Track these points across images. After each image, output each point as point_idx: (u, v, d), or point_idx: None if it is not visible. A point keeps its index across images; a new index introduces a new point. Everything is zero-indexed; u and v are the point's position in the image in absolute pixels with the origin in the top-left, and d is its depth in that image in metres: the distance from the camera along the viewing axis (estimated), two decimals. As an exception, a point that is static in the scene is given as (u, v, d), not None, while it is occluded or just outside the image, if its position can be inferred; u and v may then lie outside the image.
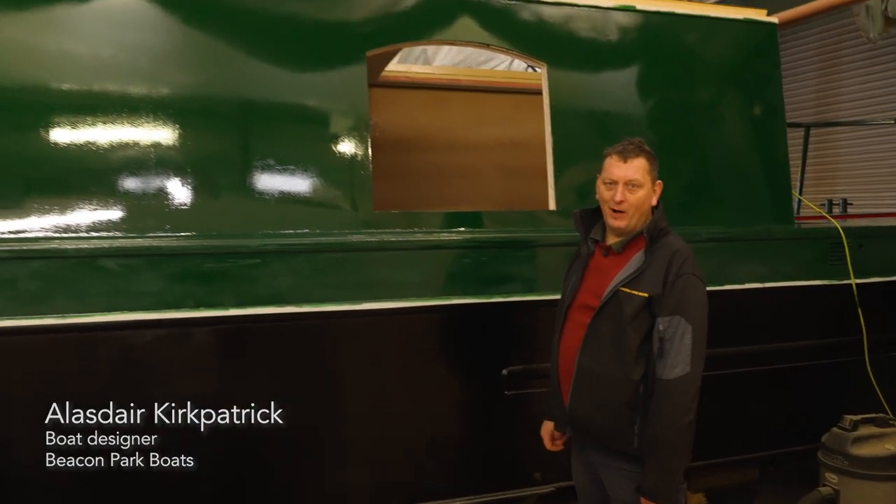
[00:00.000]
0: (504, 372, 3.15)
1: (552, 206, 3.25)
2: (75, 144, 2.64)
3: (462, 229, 3.14)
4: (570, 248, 2.76)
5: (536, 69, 3.78)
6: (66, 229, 2.61)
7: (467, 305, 3.08)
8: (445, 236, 3.10)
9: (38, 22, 2.64)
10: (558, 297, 2.65)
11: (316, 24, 2.95)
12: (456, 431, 3.16)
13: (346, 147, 2.96)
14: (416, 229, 3.06)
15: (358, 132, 2.97)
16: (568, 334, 2.53)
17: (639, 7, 3.45)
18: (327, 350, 2.96)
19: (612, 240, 2.49)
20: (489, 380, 3.15)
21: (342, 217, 2.95)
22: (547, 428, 2.70)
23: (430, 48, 6.32)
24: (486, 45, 3.31)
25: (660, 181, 2.48)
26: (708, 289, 2.44)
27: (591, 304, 2.45)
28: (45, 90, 2.63)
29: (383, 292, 2.95)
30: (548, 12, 3.31)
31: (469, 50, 5.73)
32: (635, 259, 2.41)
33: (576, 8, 3.35)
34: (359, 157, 2.97)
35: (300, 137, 2.92)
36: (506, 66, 6.37)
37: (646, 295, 2.34)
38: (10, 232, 2.55)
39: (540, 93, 3.38)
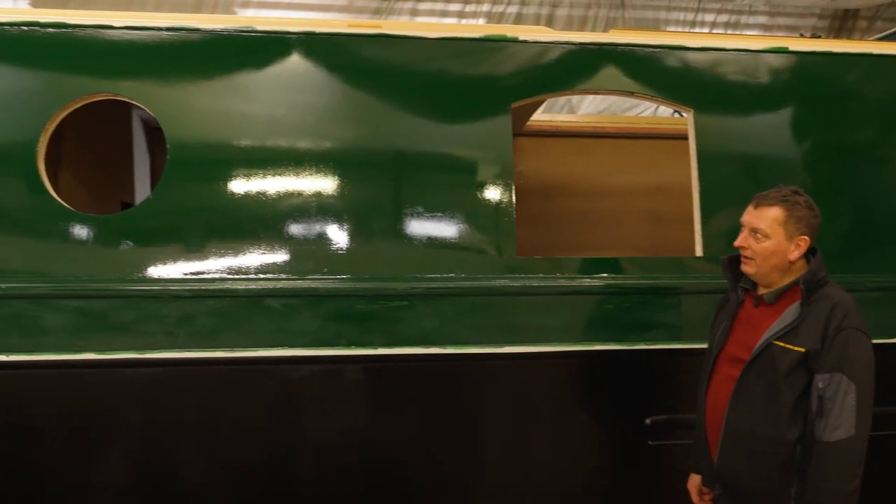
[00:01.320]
0: (647, 421, 3.07)
1: (699, 251, 3.17)
2: (248, 195, 2.92)
3: (605, 275, 3.13)
4: (716, 296, 2.68)
5: (682, 114, 3.72)
6: (238, 271, 2.88)
7: (609, 352, 3.05)
8: (588, 282, 3.10)
9: (221, 89, 2.97)
10: (705, 346, 2.57)
11: (464, 80, 3.10)
12: (596, 480, 3.11)
13: (491, 194, 3.07)
14: (558, 274, 3.09)
15: (502, 180, 3.07)
16: (716, 387, 2.44)
17: (792, 48, 3.34)
18: (469, 391, 3.04)
19: (763, 289, 2.40)
20: (631, 429, 3.08)
21: (486, 262, 3.04)
22: (694, 481, 2.60)
23: (575, 97, 6.39)
24: (631, 94, 3.32)
25: (805, 237, 2.30)
26: (874, 342, 2.28)
27: (741, 356, 2.35)
28: (225, 148, 2.94)
29: (525, 336, 3.00)
30: (694, 58, 3.28)
31: (613, 98, 5.73)
32: (790, 311, 2.29)
33: (724, 52, 3.29)
34: (503, 204, 3.06)
35: (448, 185, 3.05)
36: (650, 111, 6.30)
37: (802, 350, 2.22)
38: (192, 273, 2.86)
39: (685, 137, 3.33)
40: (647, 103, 6.01)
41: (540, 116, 4.79)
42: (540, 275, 3.07)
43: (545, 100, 4.22)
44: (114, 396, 2.84)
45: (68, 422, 2.84)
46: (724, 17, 8.86)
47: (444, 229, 3.03)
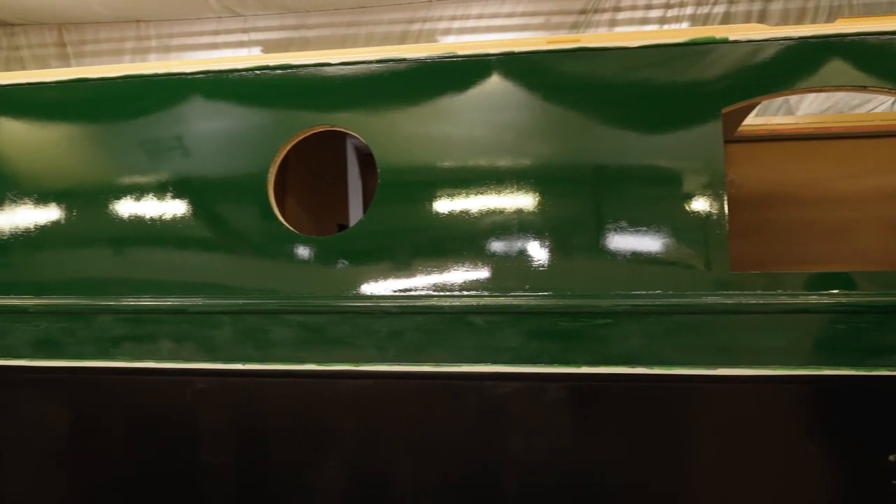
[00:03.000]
0: (891, 458, 2.71)
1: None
2: (452, 214, 3.02)
3: (835, 291, 2.82)
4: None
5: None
6: (443, 288, 2.98)
7: (842, 377, 2.73)
8: (815, 299, 2.81)
9: (426, 114, 3.11)
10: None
11: (669, 88, 2.97)
12: (829, 522, 2.79)
13: (700, 205, 2.90)
14: (779, 291, 2.83)
15: (713, 190, 2.89)
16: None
17: None
18: (678, 414, 2.88)
19: None
20: (870, 466, 2.73)
21: (696, 278, 2.87)
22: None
23: (793, 97, 5.88)
24: (863, 88, 2.98)
25: None
26: None
27: None
28: (431, 170, 3.06)
29: (739, 358, 2.78)
30: (942, 42, 2.87)
31: (839, 94, 5.19)
32: None
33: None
34: (714, 216, 2.87)
35: (653, 198, 2.93)
36: (886, 107, 5.62)
37: None
38: (400, 290, 3.00)
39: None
40: (881, 98, 5.37)
41: (753, 120, 4.46)
42: (757, 291, 2.83)
43: (759, 102, 3.91)
44: (331, 405, 3.06)
45: (291, 428, 3.10)
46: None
47: (650, 244, 2.91)
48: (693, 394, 2.85)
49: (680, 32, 2.99)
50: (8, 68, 8.09)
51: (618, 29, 7.70)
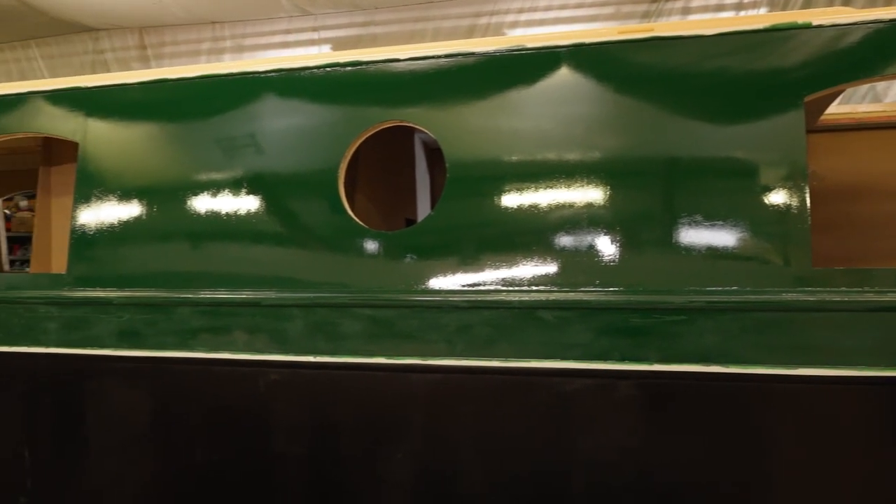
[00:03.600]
0: None
1: None
2: (521, 208, 2.99)
3: (927, 289, 2.67)
4: None
5: None
6: (512, 283, 2.96)
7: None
8: (904, 297, 2.66)
9: (495, 108, 3.09)
10: None
11: (747, 76, 2.87)
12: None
13: (781, 198, 2.78)
14: (866, 288, 2.70)
15: (793, 182, 2.77)
16: None
17: None
18: (755, 415, 2.78)
19: None
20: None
21: (775, 274, 2.76)
22: None
23: (880, 84, 5.59)
24: (958, 73, 2.80)
25: None
26: None
27: None
28: (499, 164, 3.04)
29: (822, 358, 2.66)
30: None
31: (933, 79, 4.88)
32: None
33: None
34: (794, 210, 2.76)
35: (730, 191, 2.83)
36: None
37: None
38: (469, 285, 2.99)
39: None
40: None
41: (837, 109, 4.25)
42: (842, 288, 2.70)
43: (844, 90, 3.73)
44: (399, 399, 3.08)
45: (360, 420, 3.14)
46: None
47: (726, 239, 2.81)
48: (771, 394, 2.74)
49: (759, 18, 2.88)
50: (93, 71, 8.47)
51: (691, 17, 7.48)
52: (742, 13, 7.44)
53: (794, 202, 2.76)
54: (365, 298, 3.07)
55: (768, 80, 2.85)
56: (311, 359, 3.13)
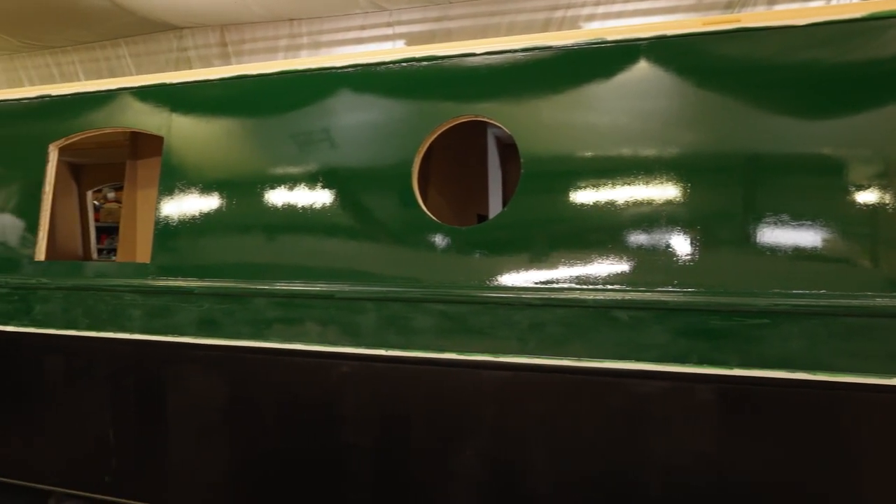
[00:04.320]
0: None
1: None
2: (596, 205, 2.93)
3: None
4: None
5: None
6: (586, 281, 2.90)
7: None
8: None
9: (573, 102, 3.03)
10: None
11: (842, 68, 2.72)
12: None
13: (874, 198, 2.63)
14: (968, 295, 2.53)
15: (889, 180, 2.61)
16: None
17: None
18: (843, 426, 2.64)
19: None
20: None
21: (867, 277, 2.62)
22: None
23: None
24: None
25: None
26: None
27: None
28: (576, 160, 2.98)
29: (920, 368, 2.51)
30: None
31: None
32: None
33: None
34: (889, 209, 2.60)
35: (819, 190, 2.70)
36: None
37: None
38: (542, 282, 2.95)
39: None
40: None
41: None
42: (943, 294, 2.54)
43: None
44: (470, 395, 3.06)
45: (430, 415, 3.14)
46: None
47: (814, 240, 2.68)
48: (862, 404, 2.60)
49: (855, 7, 2.72)
50: (177, 68, 8.77)
51: (778, 7, 7.17)
52: (834, 1, 7.09)
53: (890, 202, 2.60)
54: (437, 293, 3.06)
55: (865, 72, 2.70)
56: (382, 352, 3.15)
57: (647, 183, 2.88)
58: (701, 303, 2.73)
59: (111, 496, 3.81)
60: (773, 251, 2.71)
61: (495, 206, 5.25)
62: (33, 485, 4.03)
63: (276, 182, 3.44)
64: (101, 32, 8.79)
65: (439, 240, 3.13)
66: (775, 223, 2.72)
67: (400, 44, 8.13)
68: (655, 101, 2.92)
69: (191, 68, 8.59)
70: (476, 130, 4.87)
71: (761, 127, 2.79)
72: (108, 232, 8.85)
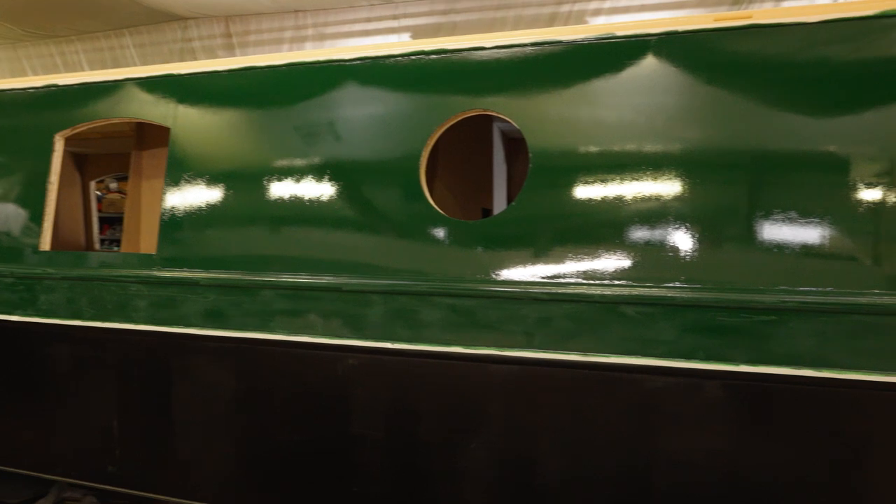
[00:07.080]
0: None
1: None
2: (604, 200, 2.92)
3: None
4: None
5: None
6: (594, 276, 2.89)
7: None
8: None
9: (581, 97, 3.02)
10: None
11: (853, 66, 2.71)
12: None
13: (883, 195, 2.63)
14: (977, 294, 2.53)
15: (893, 178, 2.61)
16: None
17: None
18: (849, 424, 2.64)
19: None
20: None
21: (875, 275, 2.62)
22: None
23: None
24: None
25: None
26: None
27: None
28: (585, 155, 2.98)
29: (929, 366, 2.51)
30: None
31: None
32: None
33: None
34: (893, 207, 2.60)
35: (827, 187, 2.70)
36: None
37: None
38: (549, 277, 2.95)
39: None
40: None
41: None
42: (952, 293, 2.54)
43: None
44: (477, 389, 3.07)
45: (437, 408, 3.15)
46: None
47: (822, 237, 2.68)
48: (868, 402, 2.60)
49: (869, 4, 2.71)
50: (181, 59, 8.74)
51: (786, 4, 7.14)
52: (841, -1, 7.05)
53: (894, 200, 2.60)
54: (445, 287, 3.06)
55: (876, 70, 2.69)
56: (389, 345, 3.15)
57: (656, 179, 2.87)
58: (708, 299, 2.73)
59: (114, 486, 3.82)
60: (781, 248, 2.71)
61: (500, 201, 5.25)
62: (36, 474, 4.04)
63: (283, 174, 3.43)
64: (105, 22, 8.76)
65: (447, 234, 3.13)
66: (784, 221, 2.72)
67: (405, 37, 8.10)
68: (665, 97, 2.91)
69: (195, 59, 8.56)
70: (482, 124, 4.86)
71: (771, 124, 2.78)
72: (110, 222, 8.85)
